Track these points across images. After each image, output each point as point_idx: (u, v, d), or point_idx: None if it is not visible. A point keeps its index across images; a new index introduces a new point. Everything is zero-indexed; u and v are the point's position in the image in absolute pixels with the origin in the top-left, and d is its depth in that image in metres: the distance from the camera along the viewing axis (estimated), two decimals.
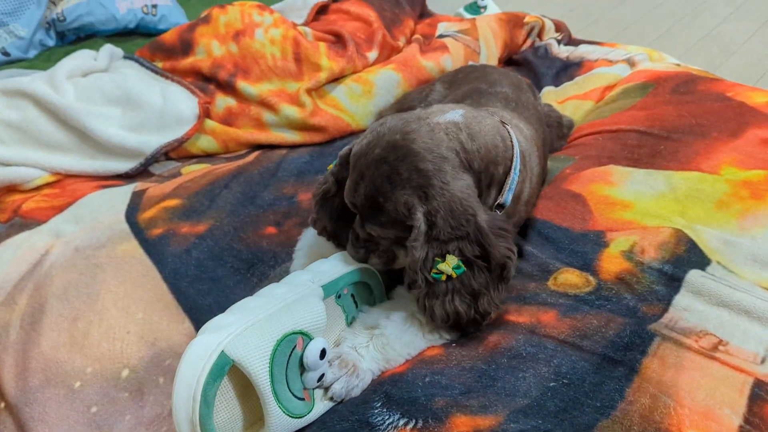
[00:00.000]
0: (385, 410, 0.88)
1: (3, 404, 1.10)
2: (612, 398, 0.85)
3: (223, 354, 0.80)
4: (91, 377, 1.09)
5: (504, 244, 0.95)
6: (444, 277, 0.93)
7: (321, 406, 0.91)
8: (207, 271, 1.23)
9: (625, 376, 0.88)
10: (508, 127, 1.08)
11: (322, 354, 0.89)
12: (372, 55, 1.77)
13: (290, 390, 0.86)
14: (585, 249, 1.13)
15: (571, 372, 0.90)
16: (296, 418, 0.85)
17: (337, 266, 1.04)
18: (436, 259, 0.93)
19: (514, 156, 1.05)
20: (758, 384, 0.86)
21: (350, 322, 1.02)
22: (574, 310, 1.01)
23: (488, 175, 1.02)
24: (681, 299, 1.01)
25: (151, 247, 1.28)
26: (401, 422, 0.85)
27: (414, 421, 0.85)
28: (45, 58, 2.12)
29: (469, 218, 0.92)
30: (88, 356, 1.11)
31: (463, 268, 0.92)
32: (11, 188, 1.52)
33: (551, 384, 0.88)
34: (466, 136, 0.98)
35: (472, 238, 0.92)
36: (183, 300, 1.18)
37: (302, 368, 0.89)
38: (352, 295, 1.03)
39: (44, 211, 1.43)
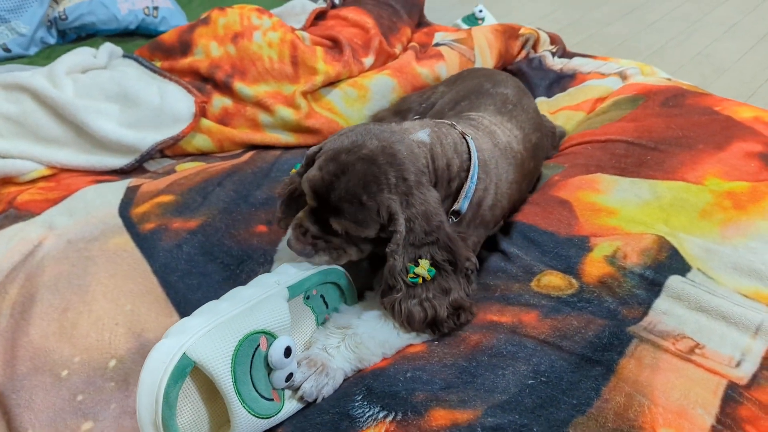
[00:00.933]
0: (365, 403, 0.89)
1: None
2: (588, 396, 0.87)
3: (184, 356, 0.80)
4: (78, 366, 1.10)
5: (465, 249, 1.04)
6: (420, 280, 0.99)
7: (291, 406, 0.91)
8: (197, 266, 1.24)
9: (602, 376, 0.90)
10: (468, 139, 1.14)
11: (287, 352, 0.88)
12: (368, 60, 1.80)
13: (257, 390, 0.85)
14: (569, 253, 1.15)
15: (550, 370, 0.92)
16: (263, 418, 0.85)
17: (303, 267, 1.03)
18: (410, 264, 0.99)
19: (472, 166, 1.11)
20: (731, 386, 0.88)
21: (321, 323, 1.03)
22: (555, 311, 1.03)
23: (444, 188, 1.10)
24: (661, 303, 1.03)
25: (143, 241, 1.29)
26: (381, 415, 0.87)
27: (394, 413, 0.87)
28: (45, 56, 2.14)
29: (439, 226, 1.00)
30: (77, 346, 1.12)
31: (434, 270, 0.99)
32: (7, 180, 1.54)
33: (529, 381, 0.90)
34: (431, 156, 1.07)
35: (441, 244, 1.00)
36: (172, 294, 1.19)
37: (269, 368, 0.88)
38: (322, 296, 1.03)
39: (39, 204, 1.45)
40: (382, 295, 1.02)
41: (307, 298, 1.01)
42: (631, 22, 3.03)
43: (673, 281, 1.06)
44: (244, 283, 1.20)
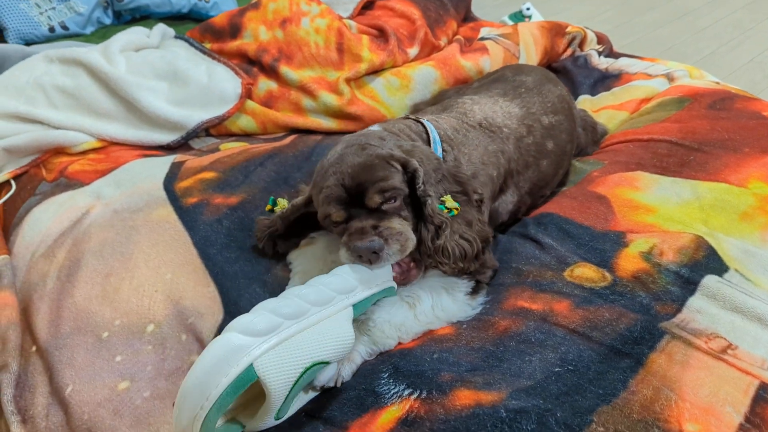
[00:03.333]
0: (391, 381, 0.91)
1: (35, 348, 1.16)
2: (615, 387, 0.86)
3: (251, 368, 0.77)
4: (118, 329, 1.14)
5: (469, 180, 1.11)
6: (456, 212, 1.04)
7: (298, 403, 0.91)
8: (236, 240, 1.28)
9: (630, 368, 0.90)
10: (423, 120, 1.24)
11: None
12: (413, 51, 1.81)
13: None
14: (604, 247, 1.15)
15: (578, 359, 0.92)
16: (278, 419, 0.86)
17: (364, 278, 0.98)
18: (439, 204, 1.04)
19: (432, 141, 1.19)
20: (764, 387, 0.87)
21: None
22: (587, 302, 1.03)
23: None
24: (695, 301, 1.02)
25: (185, 214, 1.33)
26: (406, 392, 0.88)
27: (419, 391, 0.88)
28: (101, 35, 2.21)
29: (440, 163, 1.09)
30: (118, 309, 1.17)
31: (458, 203, 1.05)
32: (59, 150, 1.60)
33: (556, 369, 0.90)
34: (389, 132, 1.18)
35: (450, 178, 1.08)
36: (210, 265, 1.23)
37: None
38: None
39: (88, 174, 1.50)
40: (432, 242, 1.02)
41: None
42: (681, 27, 2.98)
43: (709, 280, 1.05)
44: (278, 260, 1.24)
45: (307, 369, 0.82)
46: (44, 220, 1.39)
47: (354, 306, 0.93)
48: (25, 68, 1.69)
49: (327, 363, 0.86)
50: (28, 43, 2.08)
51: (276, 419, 0.85)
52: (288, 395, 0.81)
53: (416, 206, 1.06)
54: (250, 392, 0.83)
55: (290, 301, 0.87)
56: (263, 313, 0.84)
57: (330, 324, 0.87)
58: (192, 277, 1.21)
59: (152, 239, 1.28)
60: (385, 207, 1.02)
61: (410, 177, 1.05)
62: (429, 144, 1.18)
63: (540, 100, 1.40)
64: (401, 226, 1.01)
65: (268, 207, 1.25)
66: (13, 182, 1.54)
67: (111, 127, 1.62)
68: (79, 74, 1.65)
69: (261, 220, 1.25)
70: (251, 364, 0.77)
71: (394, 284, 1.03)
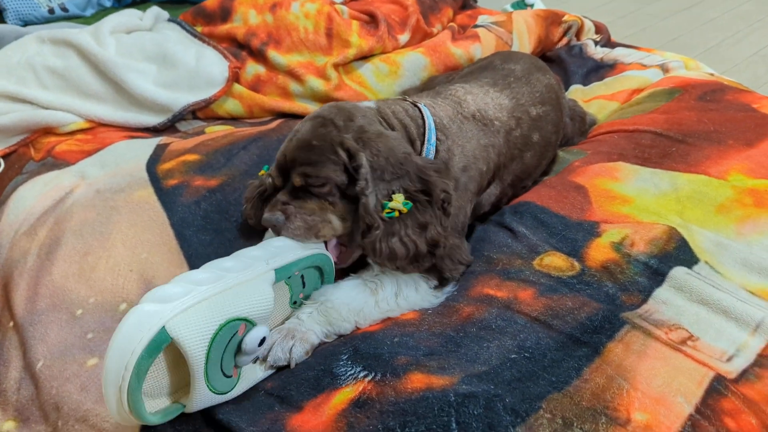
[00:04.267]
0: (350, 362, 0.92)
1: (12, 323, 1.18)
2: (568, 375, 0.86)
3: (163, 330, 0.78)
4: (92, 307, 1.16)
5: (442, 178, 1.04)
6: (397, 214, 1.00)
7: (245, 383, 0.91)
8: (212, 223, 1.29)
9: (586, 357, 0.89)
10: (420, 106, 1.18)
11: (261, 342, 0.89)
12: (403, 37, 1.81)
13: (222, 370, 0.85)
14: (576, 236, 1.14)
15: (535, 347, 0.92)
16: (220, 394, 0.86)
17: (292, 246, 1.00)
18: (385, 200, 1.00)
19: (427, 129, 1.14)
20: (718, 378, 0.86)
21: (294, 302, 1.01)
22: (552, 290, 1.03)
23: (405, 133, 1.13)
24: (661, 292, 1.01)
25: (165, 196, 1.34)
26: (361, 374, 0.89)
27: (373, 374, 0.88)
28: (100, 17, 2.21)
29: (407, 157, 1.02)
30: (93, 288, 1.18)
31: (410, 203, 1.00)
32: (48, 130, 1.62)
33: (512, 356, 0.90)
34: (381, 116, 1.12)
35: (412, 176, 1.02)
36: (186, 246, 1.24)
37: (238, 349, 0.88)
38: (302, 276, 1.01)
39: (74, 154, 1.52)
40: (362, 237, 1.02)
41: (288, 278, 0.99)
42: (688, 19, 2.93)
43: (678, 272, 1.04)
44: (254, 243, 1.24)
45: (222, 326, 0.82)
46: (29, 199, 1.41)
47: (277, 270, 0.93)
48: (17, 48, 1.70)
49: (247, 321, 0.86)
50: (26, 24, 2.10)
51: (216, 393, 0.85)
52: (208, 357, 0.81)
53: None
54: (183, 369, 0.84)
55: (206, 271, 0.88)
56: (177, 282, 0.85)
57: (247, 285, 0.88)
58: (166, 258, 1.23)
59: (131, 219, 1.30)
60: (312, 189, 1.02)
61: (354, 168, 1.02)
62: (424, 130, 1.15)
63: (528, 90, 1.38)
64: (316, 210, 1.01)
65: (262, 172, 1.22)
66: (1, 161, 1.56)
67: (99, 108, 1.63)
68: (69, 55, 1.67)
69: (252, 182, 1.24)
70: (163, 327, 0.78)
71: (327, 253, 1.03)
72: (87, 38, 1.67)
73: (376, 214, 0.99)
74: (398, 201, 0.99)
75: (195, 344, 0.80)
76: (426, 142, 1.13)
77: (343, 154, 1.01)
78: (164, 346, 0.79)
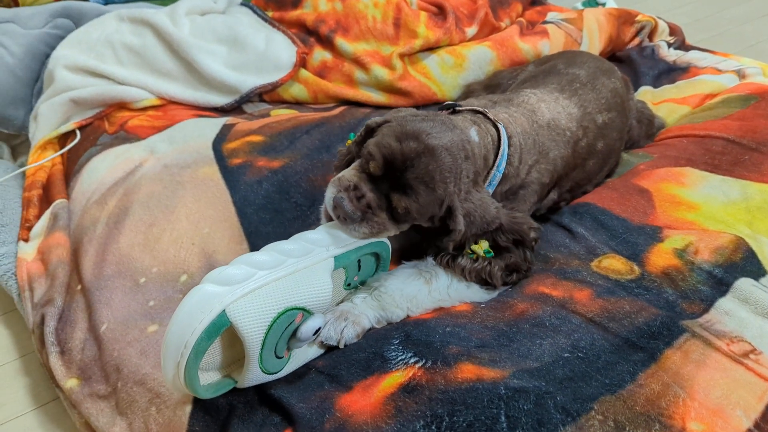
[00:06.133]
0: (401, 347, 0.92)
1: (80, 287, 1.25)
2: (623, 378, 0.85)
3: (223, 314, 0.80)
4: (155, 276, 1.20)
5: (528, 225, 1.06)
6: (475, 257, 1.03)
7: (295, 363, 0.92)
8: (272, 203, 1.32)
9: (642, 362, 0.88)
10: (500, 127, 1.12)
11: (316, 332, 0.90)
12: (471, 30, 1.79)
13: (275, 352, 0.87)
14: (638, 240, 1.12)
15: (589, 348, 0.90)
16: (270, 374, 0.88)
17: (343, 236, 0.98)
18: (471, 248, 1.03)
19: (500, 155, 1.10)
20: None
21: (348, 284, 1.01)
22: (609, 293, 1.01)
23: (484, 163, 1.08)
24: (724, 303, 0.98)
25: (229, 174, 1.38)
26: (412, 360, 0.90)
27: (424, 360, 0.89)
28: None
29: (497, 214, 1.03)
30: (156, 258, 1.23)
31: (492, 253, 1.03)
32: (122, 105, 1.68)
33: (565, 354, 0.89)
34: (474, 154, 1.04)
35: (505, 228, 1.03)
36: (246, 224, 1.28)
37: (292, 335, 0.89)
38: (359, 261, 1.00)
39: (145, 130, 1.58)
40: (435, 253, 1.04)
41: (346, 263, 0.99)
42: (767, 25, 2.80)
43: (743, 283, 1.01)
44: (311, 224, 1.27)
45: (280, 314, 0.83)
46: (101, 170, 1.47)
47: (336, 258, 0.93)
48: (97, 25, 1.78)
49: (304, 310, 0.87)
50: (108, 3, 2.18)
51: (267, 373, 0.87)
52: (264, 342, 0.82)
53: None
54: (238, 347, 0.86)
55: (267, 254, 0.89)
56: (238, 264, 0.86)
57: (306, 273, 0.89)
58: (227, 234, 1.26)
59: (196, 195, 1.34)
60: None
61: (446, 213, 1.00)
62: (497, 154, 1.10)
63: (594, 97, 1.33)
64: (386, 222, 0.98)
65: (349, 142, 1.18)
66: (78, 132, 1.64)
67: (171, 86, 1.68)
68: (145, 34, 1.73)
69: (341, 150, 1.20)
70: (224, 311, 0.80)
71: (386, 240, 1.02)
72: (163, 18, 1.73)
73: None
74: (481, 247, 1.02)
75: (253, 330, 0.81)
76: (494, 167, 1.09)
77: (443, 209, 0.99)
78: (223, 329, 0.81)
